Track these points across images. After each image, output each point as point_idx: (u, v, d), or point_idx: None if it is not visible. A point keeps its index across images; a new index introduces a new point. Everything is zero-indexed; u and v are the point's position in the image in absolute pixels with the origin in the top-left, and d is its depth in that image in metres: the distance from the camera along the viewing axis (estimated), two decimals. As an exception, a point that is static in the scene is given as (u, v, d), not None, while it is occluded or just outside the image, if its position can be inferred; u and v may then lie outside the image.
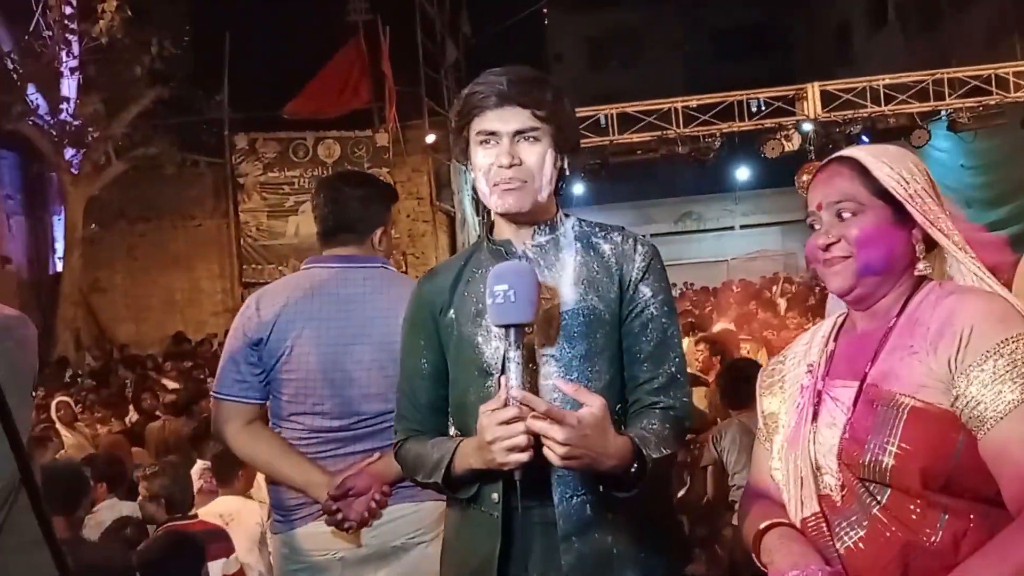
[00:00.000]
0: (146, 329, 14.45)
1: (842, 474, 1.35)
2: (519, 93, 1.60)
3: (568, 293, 1.63)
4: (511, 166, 1.60)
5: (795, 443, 1.42)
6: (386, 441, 2.10)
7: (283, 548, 2.27)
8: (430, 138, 14.54)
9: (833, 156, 1.50)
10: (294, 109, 14.22)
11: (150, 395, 7.28)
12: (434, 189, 15.08)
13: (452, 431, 1.70)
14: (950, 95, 13.80)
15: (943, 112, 14.14)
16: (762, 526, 1.42)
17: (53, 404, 6.53)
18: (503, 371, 1.56)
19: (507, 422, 1.43)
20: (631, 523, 1.61)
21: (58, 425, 6.05)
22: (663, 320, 1.66)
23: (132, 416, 7.15)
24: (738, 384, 3.86)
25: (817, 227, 1.43)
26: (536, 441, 1.43)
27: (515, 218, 1.67)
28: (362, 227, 2.33)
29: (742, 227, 23.41)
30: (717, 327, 7.80)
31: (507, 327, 1.49)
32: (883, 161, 1.41)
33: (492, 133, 1.61)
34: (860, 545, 1.32)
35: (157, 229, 14.56)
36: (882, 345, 1.38)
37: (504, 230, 1.71)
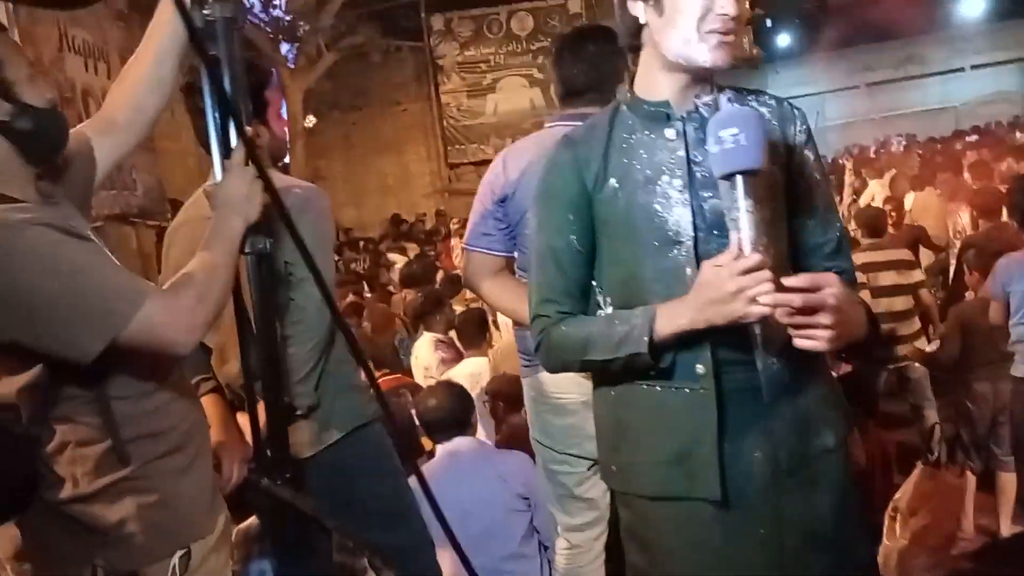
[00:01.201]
0: (365, 213, 15.31)
1: None
2: None
3: None
4: (735, 16, 1.46)
5: None
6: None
7: (531, 391, 2.42)
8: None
9: None
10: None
11: (385, 271, 7.79)
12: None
13: (601, 313, 1.59)
14: None
15: None
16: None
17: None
18: (695, 237, 1.50)
19: (750, 271, 1.37)
20: (820, 385, 1.59)
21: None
22: (825, 184, 1.65)
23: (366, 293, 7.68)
24: None
25: None
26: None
27: (700, 74, 1.54)
28: (607, 84, 2.32)
29: (973, 67, 21.02)
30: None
31: (734, 175, 1.40)
32: None
33: None
34: None
35: (367, 116, 15.19)
36: None
37: (662, 89, 1.56)
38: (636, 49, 1.61)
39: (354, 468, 2.15)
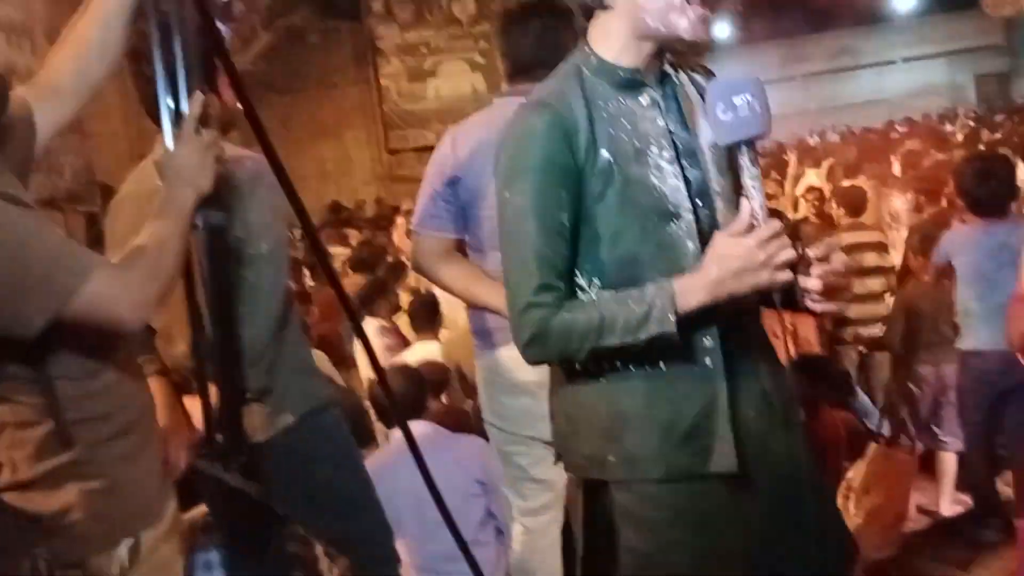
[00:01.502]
0: (305, 199, 14.97)
1: None
2: None
3: (705, 127, 1.51)
4: None
5: None
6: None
7: (483, 372, 2.38)
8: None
9: None
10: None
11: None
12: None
13: (592, 295, 1.50)
14: None
15: None
16: None
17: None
18: (693, 209, 1.48)
19: (773, 238, 1.37)
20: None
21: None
22: None
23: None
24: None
25: None
26: None
27: (668, 46, 1.52)
28: (556, 59, 2.27)
29: (904, 60, 21.59)
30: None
31: (739, 144, 1.39)
32: None
33: None
34: None
35: (304, 99, 14.89)
36: None
37: (631, 56, 1.51)
38: (589, 13, 1.54)
39: (309, 453, 2.08)
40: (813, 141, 15.14)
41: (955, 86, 20.76)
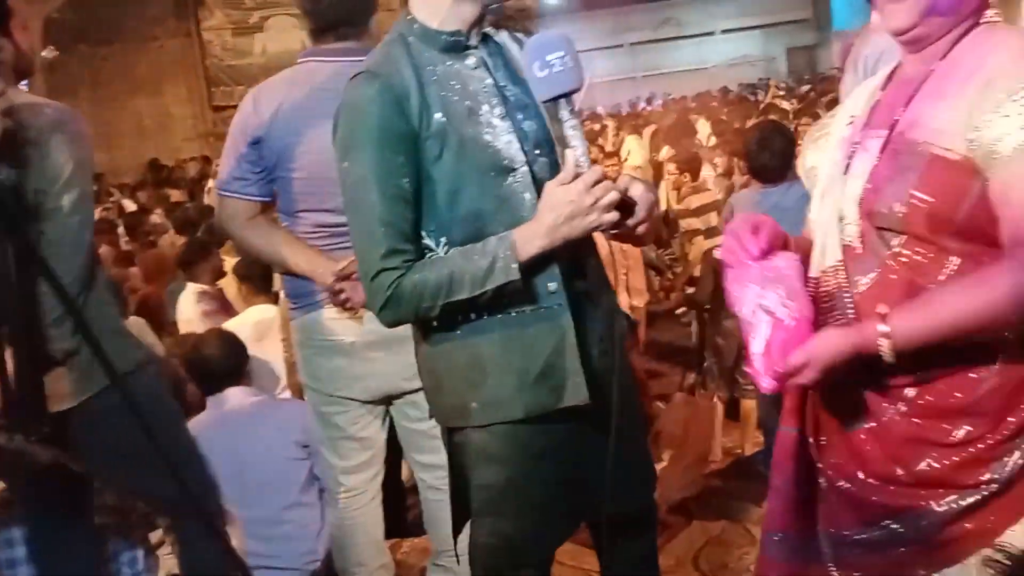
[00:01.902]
0: (119, 157, 14.16)
1: (862, 223, 1.36)
2: None
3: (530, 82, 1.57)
4: None
5: (828, 195, 1.43)
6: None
7: (297, 334, 2.37)
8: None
9: None
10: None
11: (146, 217, 7.28)
12: None
13: (440, 253, 1.56)
14: None
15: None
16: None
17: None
18: (527, 161, 1.56)
19: (597, 183, 1.47)
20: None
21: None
22: None
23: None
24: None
25: None
26: None
27: (487, 8, 1.58)
28: (360, 17, 2.25)
29: (723, 32, 22.70)
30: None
31: (560, 97, 1.47)
32: None
33: None
34: (876, 287, 1.34)
35: (119, 52, 13.97)
36: (917, 91, 1.35)
37: (450, 20, 1.57)
38: None
39: (124, 417, 1.99)
40: (639, 108, 15.68)
41: (768, 58, 22.05)
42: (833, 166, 1.44)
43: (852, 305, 1.37)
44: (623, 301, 4.15)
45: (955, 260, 1.29)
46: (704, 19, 22.49)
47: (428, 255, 1.56)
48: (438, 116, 1.53)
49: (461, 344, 1.61)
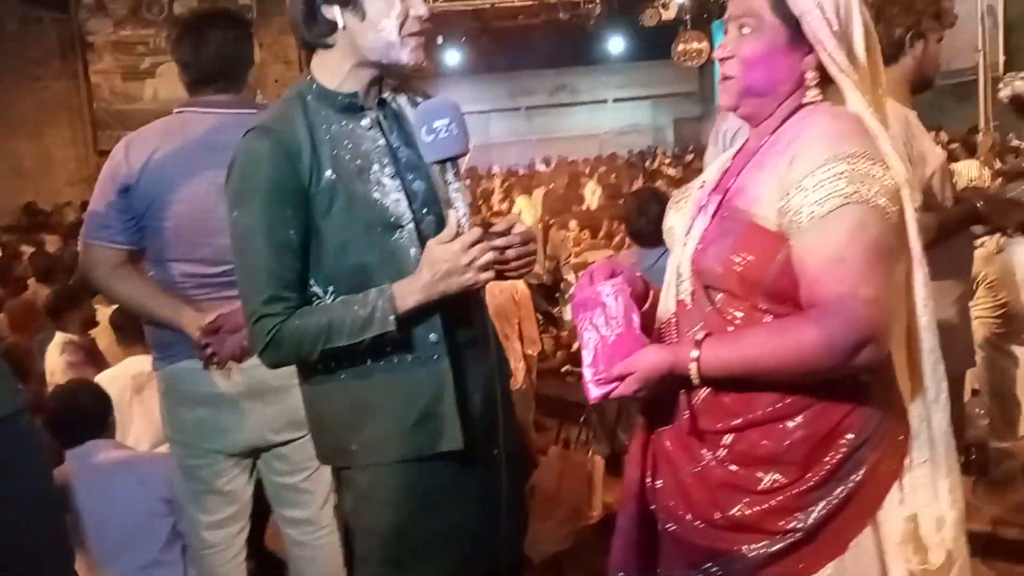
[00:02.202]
0: (-4, 198, 13.52)
1: (693, 280, 1.47)
2: None
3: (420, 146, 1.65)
4: (427, 18, 1.62)
5: (673, 253, 1.55)
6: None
7: (162, 384, 2.33)
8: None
9: None
10: (146, -40, 13.17)
11: (17, 263, 6.94)
12: (303, 53, 14.38)
13: (328, 300, 1.64)
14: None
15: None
16: None
17: None
18: (414, 219, 1.64)
19: (475, 243, 1.56)
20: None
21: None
22: None
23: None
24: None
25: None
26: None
27: (388, 72, 1.67)
28: (239, 70, 2.28)
29: (615, 100, 23.53)
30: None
31: (447, 161, 1.55)
32: None
33: None
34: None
35: (1, 91, 13.43)
36: (747, 161, 1.47)
37: (350, 82, 1.66)
38: (321, 47, 1.66)
39: None
40: (532, 168, 16.03)
41: (657, 126, 22.93)
42: (681, 227, 1.56)
43: None
44: (516, 349, 4.24)
45: (767, 319, 1.40)
46: (597, 88, 23.29)
47: (316, 302, 1.64)
48: (328, 173, 1.61)
49: (342, 387, 1.67)
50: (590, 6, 13.97)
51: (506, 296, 4.24)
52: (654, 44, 16.81)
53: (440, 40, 17.87)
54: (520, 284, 4.37)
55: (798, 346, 1.30)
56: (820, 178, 1.32)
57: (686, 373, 1.38)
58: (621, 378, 1.39)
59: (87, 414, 2.82)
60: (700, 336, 1.39)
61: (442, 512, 1.69)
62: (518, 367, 4.23)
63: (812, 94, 1.45)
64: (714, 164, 1.63)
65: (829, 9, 1.40)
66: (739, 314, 1.41)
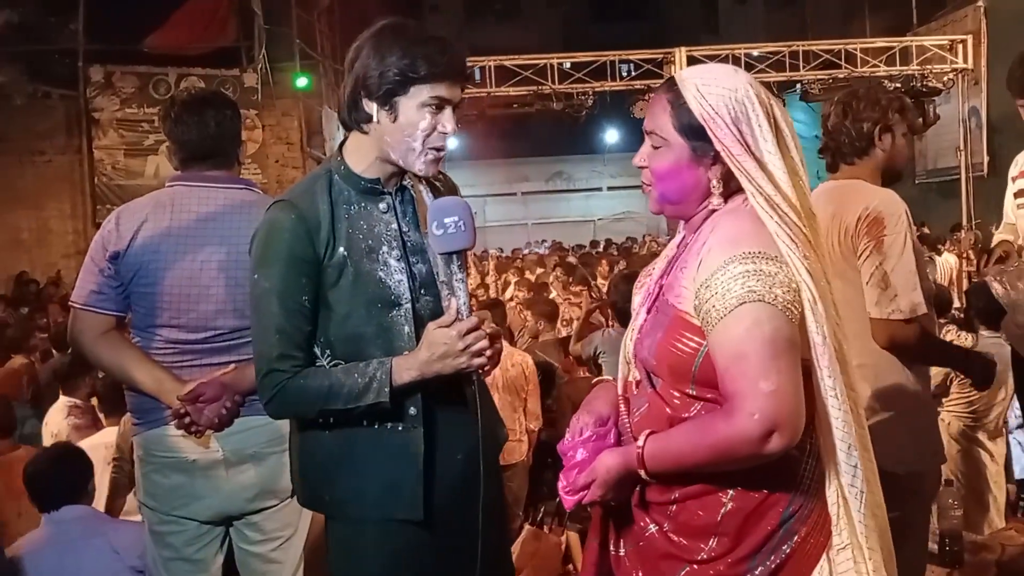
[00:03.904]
0: (-8, 267, 13.61)
1: (637, 365, 1.59)
2: (463, 67, 1.77)
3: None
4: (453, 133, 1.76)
5: (627, 336, 1.65)
6: (241, 355, 2.20)
7: (139, 450, 2.36)
8: (301, 82, 14.15)
9: (667, 78, 1.61)
10: (155, 42, 13.54)
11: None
12: (304, 135, 14.73)
13: (324, 363, 1.77)
14: (804, 67, 14.54)
15: (798, 85, 14.89)
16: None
17: None
18: (412, 299, 1.76)
19: (472, 330, 1.68)
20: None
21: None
22: None
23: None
24: None
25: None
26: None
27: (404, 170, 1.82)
28: (230, 147, 2.39)
29: (610, 188, 23.96)
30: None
31: (453, 253, 1.69)
32: (699, 90, 1.48)
33: (446, 100, 1.74)
34: (644, 418, 1.55)
35: (3, 164, 13.66)
36: (676, 258, 1.58)
37: (373, 169, 1.81)
38: (358, 131, 1.81)
39: None
40: (520, 253, 16.25)
41: (650, 214, 23.25)
42: (635, 312, 1.66)
43: (630, 428, 1.57)
44: (521, 422, 4.33)
45: (698, 403, 1.49)
46: (592, 176, 23.77)
47: (316, 362, 1.78)
48: (341, 250, 1.76)
49: (325, 440, 1.80)
50: (583, 97, 14.37)
51: (518, 371, 4.32)
52: (648, 135, 17.18)
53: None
54: (530, 360, 4.45)
55: (714, 441, 1.40)
56: (721, 279, 1.42)
57: (637, 471, 1.48)
58: (587, 486, 1.51)
59: (66, 479, 2.85)
60: (642, 439, 1.48)
61: (409, 568, 1.79)
62: (522, 441, 4.28)
63: (716, 201, 1.53)
64: (664, 252, 1.73)
65: (731, 118, 1.47)
66: (676, 396, 1.51)
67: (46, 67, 13.17)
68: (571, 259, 11.41)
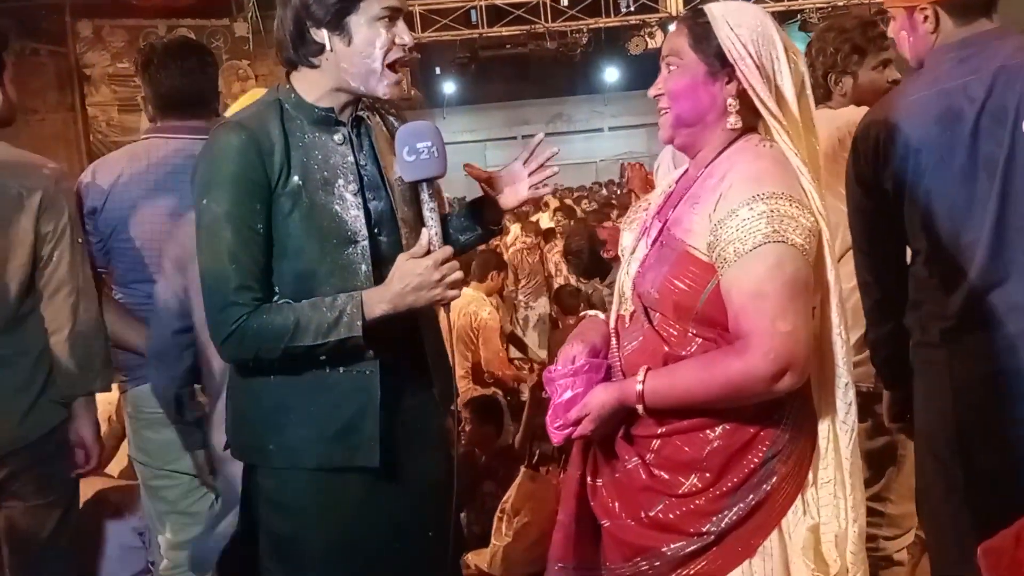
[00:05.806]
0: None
1: (634, 299, 1.58)
2: None
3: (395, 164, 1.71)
4: (411, 47, 1.67)
5: (622, 270, 1.64)
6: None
7: (128, 406, 2.37)
8: (293, 29, 13.89)
9: (694, 9, 1.62)
10: (143, -7, 13.33)
11: None
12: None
13: (279, 301, 1.65)
14: (804, -3, 14.24)
15: (799, 15, 14.59)
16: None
17: None
18: (371, 235, 1.67)
19: (446, 261, 1.61)
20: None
21: None
22: None
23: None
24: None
25: None
26: None
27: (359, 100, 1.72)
28: (208, 96, 2.34)
29: (610, 129, 23.72)
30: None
31: (423, 181, 1.61)
32: (733, 29, 1.50)
33: (397, 10, 1.64)
34: (636, 353, 1.56)
35: (-3, 124, 13.54)
36: (684, 192, 1.56)
37: (327, 99, 1.70)
38: (307, 67, 1.69)
39: None
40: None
41: (652, 154, 23.03)
42: (629, 246, 1.65)
43: (620, 362, 1.58)
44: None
45: (697, 340, 1.49)
46: (592, 117, 23.50)
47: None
48: (296, 178, 1.64)
49: (271, 386, 1.68)
50: (577, 35, 14.13)
51: (466, 320, 4.40)
52: (648, 73, 16.93)
53: (438, 71, 18.07)
54: (483, 312, 4.51)
55: (725, 377, 1.41)
56: (743, 217, 1.42)
57: (633, 406, 1.49)
58: (578, 421, 1.51)
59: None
60: (642, 374, 1.48)
61: (345, 527, 1.70)
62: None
63: (732, 120, 1.53)
64: (659, 187, 1.71)
65: (758, 59, 1.49)
66: (674, 333, 1.51)
67: (34, 24, 12.97)
68: (569, 202, 11.36)
